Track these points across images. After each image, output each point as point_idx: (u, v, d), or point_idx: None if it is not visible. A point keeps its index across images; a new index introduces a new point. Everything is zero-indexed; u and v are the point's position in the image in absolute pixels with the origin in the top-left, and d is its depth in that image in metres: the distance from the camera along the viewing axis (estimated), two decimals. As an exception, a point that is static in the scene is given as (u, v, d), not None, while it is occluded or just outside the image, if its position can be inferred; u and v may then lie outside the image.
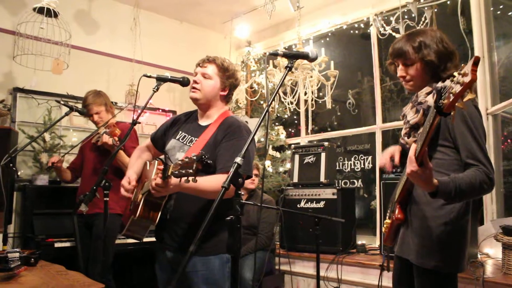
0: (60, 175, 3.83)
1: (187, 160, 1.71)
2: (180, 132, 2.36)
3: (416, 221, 1.92)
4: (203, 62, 2.33)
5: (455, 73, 1.26)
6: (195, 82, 2.30)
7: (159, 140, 2.47)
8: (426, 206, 1.89)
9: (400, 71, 1.99)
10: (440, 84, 1.80)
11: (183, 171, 1.70)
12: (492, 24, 3.94)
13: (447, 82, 1.29)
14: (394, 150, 2.13)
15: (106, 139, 3.26)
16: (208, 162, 1.69)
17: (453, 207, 1.85)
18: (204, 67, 2.31)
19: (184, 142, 2.28)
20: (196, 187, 1.97)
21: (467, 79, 1.19)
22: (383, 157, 2.14)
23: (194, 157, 1.69)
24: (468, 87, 1.20)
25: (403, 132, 2.05)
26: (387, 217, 2.18)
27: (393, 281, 2.16)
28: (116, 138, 3.25)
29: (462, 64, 1.26)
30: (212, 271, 2.11)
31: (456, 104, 1.24)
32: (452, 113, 1.29)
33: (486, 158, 1.77)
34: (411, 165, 1.59)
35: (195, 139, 2.25)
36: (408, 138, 1.98)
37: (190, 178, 1.70)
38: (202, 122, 2.36)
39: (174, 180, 1.85)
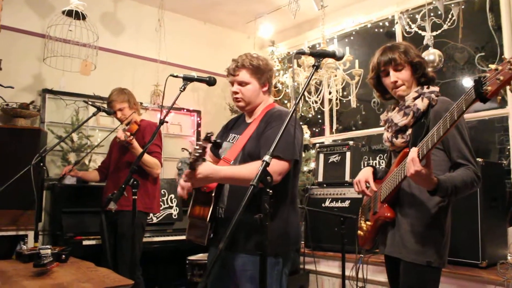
0: (84, 180, 3.93)
1: (196, 146, 1.77)
2: (230, 134, 2.38)
3: (407, 220, 2.01)
4: (234, 70, 2.28)
5: (492, 66, 1.34)
6: (234, 92, 2.28)
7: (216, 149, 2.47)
8: (418, 206, 2.00)
9: (393, 77, 2.10)
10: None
11: (197, 155, 1.76)
12: (523, 20, 3.87)
13: (487, 73, 1.36)
14: (367, 175, 2.23)
15: (119, 134, 3.31)
16: (217, 141, 1.74)
17: (441, 207, 1.97)
18: (237, 75, 2.26)
19: (232, 142, 2.30)
20: (232, 174, 1.98)
21: None
22: (360, 185, 2.22)
23: (202, 138, 1.76)
24: None
25: (388, 135, 2.16)
26: (362, 221, 2.29)
27: (388, 279, 2.25)
28: (128, 133, 3.29)
29: (503, 57, 1.32)
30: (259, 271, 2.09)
31: (508, 88, 1.34)
32: (499, 98, 1.40)
33: (474, 158, 1.92)
34: (415, 166, 1.69)
35: (238, 136, 2.27)
36: (396, 139, 2.09)
37: (201, 158, 1.76)
38: (249, 119, 2.36)
39: (200, 168, 1.85)
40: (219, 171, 1.94)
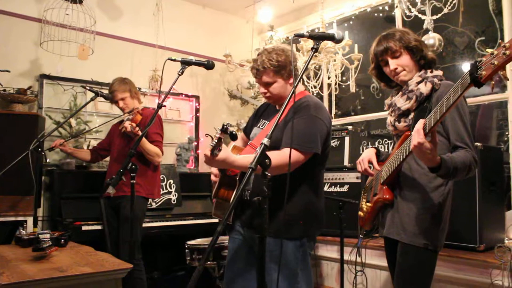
0: (75, 157, 3.97)
1: (215, 134, 1.82)
2: (261, 120, 2.45)
3: (407, 203, 2.03)
4: (256, 74, 2.31)
5: (489, 50, 1.33)
6: (263, 92, 2.33)
7: (248, 132, 2.55)
8: (418, 189, 2.01)
9: (392, 64, 2.11)
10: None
11: (214, 144, 1.81)
12: (524, 4, 3.82)
13: (484, 57, 1.35)
14: (371, 155, 2.25)
15: (126, 125, 3.34)
16: (233, 132, 1.79)
17: (443, 190, 1.99)
18: (260, 78, 2.30)
19: (262, 128, 2.37)
20: (245, 164, 2.00)
21: None
22: (363, 164, 2.24)
23: (219, 129, 1.81)
24: None
25: (391, 119, 2.17)
26: (363, 202, 2.32)
27: (387, 262, 2.29)
28: (134, 125, 3.31)
29: (500, 41, 1.31)
30: (284, 253, 2.13)
31: (501, 73, 1.32)
32: (492, 83, 1.36)
33: (472, 143, 1.92)
34: (418, 137, 1.66)
35: (267, 122, 2.34)
36: (399, 123, 2.11)
37: (216, 150, 1.80)
38: (279, 106, 2.39)
39: (221, 155, 1.89)
40: (235, 161, 1.97)
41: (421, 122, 1.68)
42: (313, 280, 2.44)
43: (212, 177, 2.39)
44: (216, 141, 1.81)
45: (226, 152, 1.93)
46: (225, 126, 1.82)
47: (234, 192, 1.51)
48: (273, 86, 2.27)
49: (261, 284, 1.63)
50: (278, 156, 1.96)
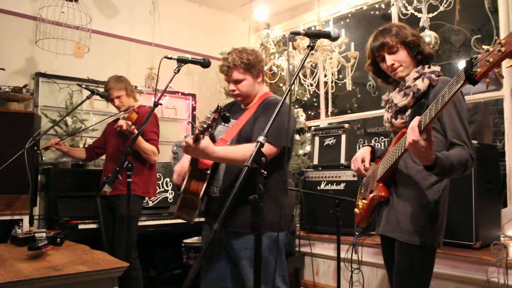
0: (70, 156, 3.97)
1: (207, 115, 1.82)
2: None
3: (402, 200, 2.02)
4: (226, 71, 2.36)
5: (485, 47, 1.30)
6: (232, 90, 2.38)
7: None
8: (413, 186, 1.99)
9: (389, 60, 2.08)
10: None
11: (205, 126, 1.81)
12: (519, 2, 3.83)
13: (479, 54, 1.32)
14: (364, 154, 2.26)
15: (121, 123, 3.32)
16: (226, 114, 1.78)
17: (438, 187, 1.97)
18: (230, 76, 2.35)
19: (228, 126, 2.38)
20: (225, 155, 2.07)
21: (509, 47, 1.23)
22: (356, 163, 2.26)
23: (212, 110, 1.81)
24: (509, 56, 1.24)
25: (388, 116, 2.14)
26: (359, 199, 2.30)
27: (384, 260, 2.28)
28: (130, 123, 3.30)
29: (496, 37, 1.29)
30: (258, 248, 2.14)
31: (496, 71, 1.29)
32: (487, 80, 1.33)
33: (469, 140, 1.90)
34: (413, 135, 1.64)
35: (234, 121, 2.36)
36: (395, 120, 2.08)
37: (207, 132, 1.82)
38: (245, 106, 2.45)
39: (203, 143, 1.92)
40: (215, 151, 2.02)
41: (416, 120, 1.66)
42: (310, 278, 2.44)
43: (175, 177, 2.38)
44: (209, 122, 1.80)
45: (207, 141, 1.96)
46: (219, 108, 1.82)
47: (232, 194, 1.48)
48: (242, 84, 2.34)
49: (257, 282, 1.63)
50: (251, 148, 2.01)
